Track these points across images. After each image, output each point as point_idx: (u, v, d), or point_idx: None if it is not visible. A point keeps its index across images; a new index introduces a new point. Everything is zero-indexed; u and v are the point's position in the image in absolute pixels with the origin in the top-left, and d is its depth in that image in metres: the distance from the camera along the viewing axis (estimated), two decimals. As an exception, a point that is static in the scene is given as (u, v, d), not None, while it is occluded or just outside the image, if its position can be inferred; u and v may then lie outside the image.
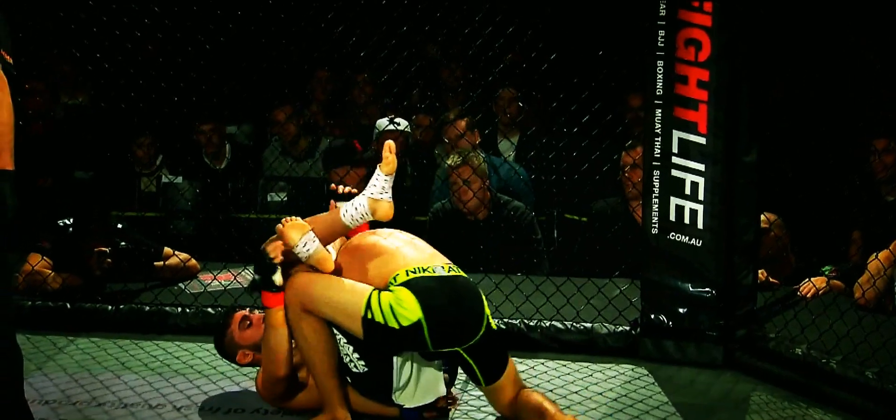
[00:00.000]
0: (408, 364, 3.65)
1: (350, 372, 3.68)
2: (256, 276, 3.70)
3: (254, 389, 3.93)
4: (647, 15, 4.33)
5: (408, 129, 6.20)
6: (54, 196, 6.24)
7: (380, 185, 3.60)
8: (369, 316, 3.49)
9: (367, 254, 3.69)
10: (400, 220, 5.28)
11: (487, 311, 3.64)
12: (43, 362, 4.40)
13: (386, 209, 3.61)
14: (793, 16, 5.59)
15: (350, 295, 3.54)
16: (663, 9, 4.29)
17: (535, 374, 4.32)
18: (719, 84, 4.24)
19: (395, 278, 3.55)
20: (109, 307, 4.89)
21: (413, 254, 3.66)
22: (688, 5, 4.24)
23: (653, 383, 4.24)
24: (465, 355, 3.61)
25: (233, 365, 4.12)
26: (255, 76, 6.87)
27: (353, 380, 3.71)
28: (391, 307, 3.48)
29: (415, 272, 3.56)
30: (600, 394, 4.12)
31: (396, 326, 3.47)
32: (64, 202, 5.73)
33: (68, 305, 4.90)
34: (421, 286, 3.52)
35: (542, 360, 4.45)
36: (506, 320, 4.63)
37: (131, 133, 6.57)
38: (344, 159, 5.63)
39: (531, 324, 4.64)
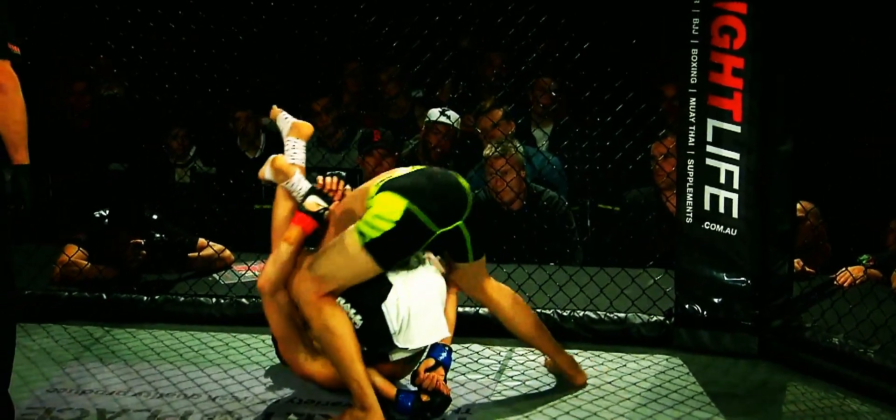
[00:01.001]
0: (399, 306, 3.69)
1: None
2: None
3: (288, 376, 3.95)
4: (682, 3, 4.30)
5: (457, 122, 6.20)
6: (90, 188, 6.29)
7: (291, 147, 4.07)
8: (367, 239, 3.56)
9: (345, 206, 3.82)
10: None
11: (465, 182, 3.75)
12: (79, 352, 4.44)
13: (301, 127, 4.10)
14: (829, 2, 5.52)
15: (346, 242, 3.61)
16: (698, -4, 4.27)
17: (569, 364, 4.30)
18: (754, 72, 4.20)
19: (369, 197, 3.65)
20: (145, 298, 4.93)
21: (379, 177, 3.77)
22: (723, -7, 4.21)
23: (687, 373, 4.22)
24: (464, 229, 3.70)
25: (267, 355, 4.14)
26: (287, 68, 6.88)
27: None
28: (376, 215, 3.58)
29: (384, 181, 3.68)
30: (634, 383, 4.10)
31: (392, 225, 3.55)
32: (100, 194, 5.77)
33: (104, 296, 4.94)
34: (396, 184, 3.65)
35: (576, 351, 4.43)
36: (539, 311, 4.62)
37: (166, 125, 6.61)
38: (378, 145, 5.66)
39: (564, 314, 4.63)
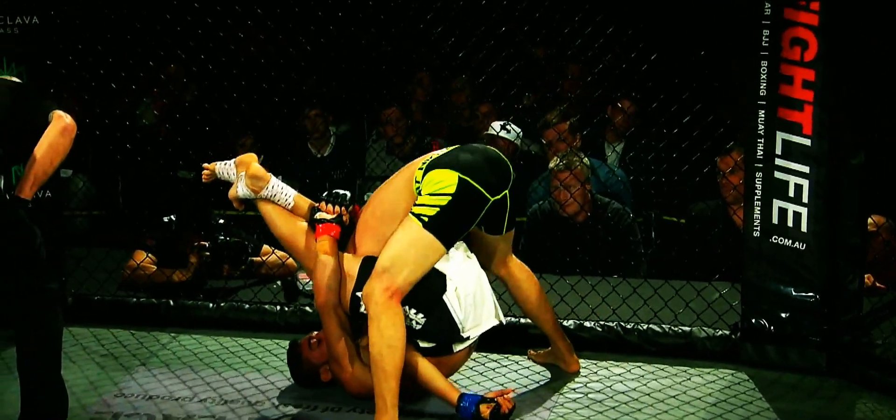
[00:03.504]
0: (459, 294, 3.72)
1: (415, 333, 3.73)
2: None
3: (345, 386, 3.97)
4: (751, 14, 4.25)
5: (519, 137, 6.19)
6: (160, 194, 6.38)
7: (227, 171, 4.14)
8: (426, 219, 3.58)
9: (384, 203, 3.83)
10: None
11: (503, 155, 3.84)
12: (147, 358, 4.50)
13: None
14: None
15: (406, 230, 3.62)
16: (768, 8, 4.21)
17: (632, 377, 4.27)
18: (825, 84, 4.14)
19: (416, 181, 3.68)
20: (210, 305, 4.99)
21: (419, 160, 3.81)
22: (794, 4, 4.15)
23: (754, 389, 4.16)
24: (509, 198, 3.75)
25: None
26: (355, 77, 6.94)
27: (420, 336, 3.74)
28: (431, 194, 3.61)
29: (427, 161, 3.71)
30: (699, 399, 4.06)
31: (448, 198, 3.59)
32: (169, 200, 5.85)
33: (171, 302, 5.01)
34: (442, 161, 3.67)
35: (639, 364, 4.40)
36: (602, 323, 4.59)
37: (234, 132, 6.69)
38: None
39: (628, 327, 4.59)
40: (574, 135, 5.87)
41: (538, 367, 4.36)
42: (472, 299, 3.76)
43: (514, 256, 4.12)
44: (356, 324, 3.86)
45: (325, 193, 3.96)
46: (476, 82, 6.60)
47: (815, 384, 4.21)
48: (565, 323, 4.59)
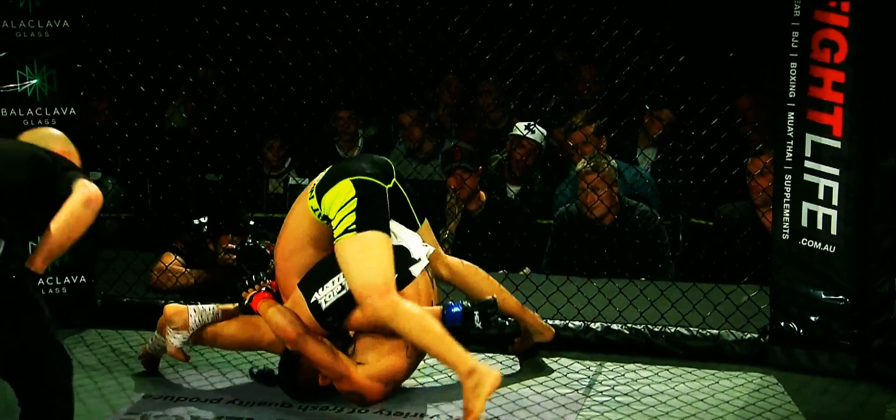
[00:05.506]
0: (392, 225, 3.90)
1: None
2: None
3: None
4: (780, 16, 4.23)
5: (543, 138, 6.18)
6: (189, 196, 6.41)
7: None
8: (353, 227, 3.71)
9: (287, 246, 4.02)
10: (523, 224, 5.29)
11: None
12: (176, 361, 4.51)
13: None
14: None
15: (346, 250, 3.73)
16: (798, 9, 4.19)
17: (660, 380, 4.25)
18: (856, 86, 4.11)
19: (314, 209, 3.87)
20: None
21: (302, 196, 4.00)
22: (824, 5, 4.13)
23: (783, 392, 4.14)
24: (401, 188, 3.97)
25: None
26: (381, 80, 6.95)
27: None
28: (339, 209, 3.76)
29: (312, 189, 3.89)
30: (727, 402, 4.04)
31: (355, 199, 3.74)
32: (199, 202, 5.88)
33: (200, 304, 5.01)
34: (326, 183, 3.84)
35: (668, 367, 4.38)
36: (630, 326, 4.58)
37: (262, 135, 6.71)
38: (459, 165, 5.64)
39: (656, 330, 4.57)
40: (600, 137, 5.85)
41: (562, 371, 4.35)
42: (404, 233, 3.93)
43: (445, 254, 4.31)
44: (333, 332, 3.96)
45: (244, 259, 4.15)
46: (503, 84, 6.60)
47: (845, 388, 4.18)
48: (592, 325, 4.59)
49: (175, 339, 4.13)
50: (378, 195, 3.82)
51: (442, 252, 4.29)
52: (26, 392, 3.13)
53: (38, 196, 3.10)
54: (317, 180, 3.92)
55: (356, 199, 3.75)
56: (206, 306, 4.19)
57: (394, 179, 3.94)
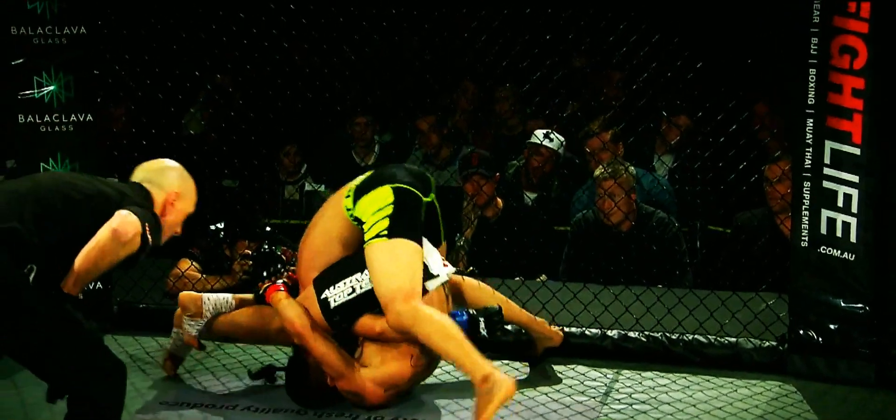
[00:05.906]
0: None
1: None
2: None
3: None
4: (799, 22, 4.21)
5: (561, 146, 6.17)
6: (206, 202, 6.41)
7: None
8: (385, 233, 3.73)
9: (314, 243, 4.04)
10: (540, 230, 5.28)
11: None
12: (192, 365, 4.52)
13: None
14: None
15: (376, 255, 3.74)
16: (817, 15, 4.16)
17: (678, 388, 4.23)
18: (876, 93, 4.09)
19: (348, 209, 3.89)
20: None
21: (341, 192, 4.00)
22: (843, 11, 4.10)
23: (801, 401, 4.11)
24: (437, 204, 3.97)
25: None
26: (398, 86, 6.95)
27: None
28: (374, 213, 3.78)
29: (351, 190, 3.90)
30: (746, 410, 4.01)
31: (392, 206, 3.76)
32: (216, 208, 5.88)
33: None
34: (367, 185, 3.86)
35: (685, 375, 4.36)
36: (647, 333, 4.55)
37: (278, 142, 6.72)
38: (476, 171, 5.62)
39: (673, 337, 4.55)
40: (617, 143, 5.83)
41: (579, 378, 4.34)
42: (427, 248, 3.91)
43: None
44: (338, 331, 3.95)
45: (260, 265, 4.14)
46: (520, 91, 6.59)
47: (865, 397, 4.15)
48: (609, 333, 4.57)
49: (190, 327, 4.15)
50: (415, 205, 3.84)
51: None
52: (58, 389, 3.15)
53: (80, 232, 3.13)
54: (356, 181, 3.95)
55: (393, 205, 3.78)
56: (221, 295, 4.21)
57: (432, 194, 3.96)
